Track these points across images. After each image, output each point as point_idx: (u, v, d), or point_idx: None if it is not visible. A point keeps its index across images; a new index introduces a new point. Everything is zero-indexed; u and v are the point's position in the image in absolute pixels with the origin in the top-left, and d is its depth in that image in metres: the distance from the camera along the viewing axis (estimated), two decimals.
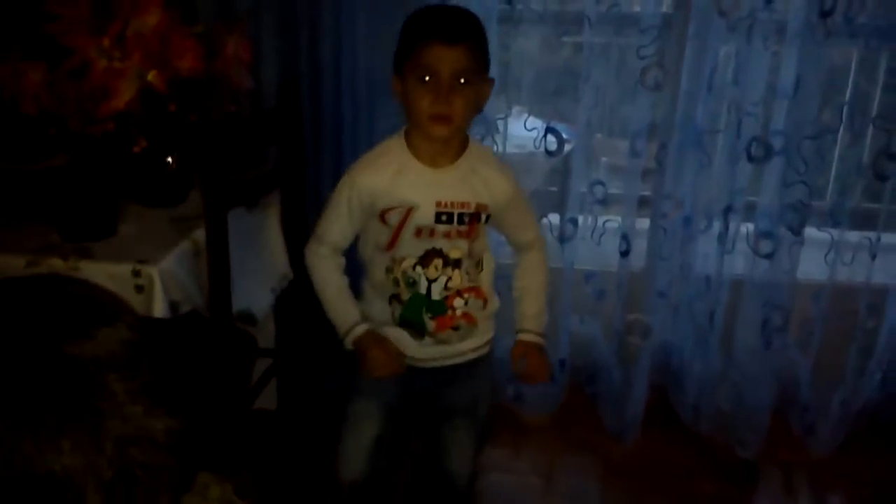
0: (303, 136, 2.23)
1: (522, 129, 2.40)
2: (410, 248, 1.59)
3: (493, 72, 2.19)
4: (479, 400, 1.79)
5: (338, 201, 1.62)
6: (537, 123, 2.37)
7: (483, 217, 1.61)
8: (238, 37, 1.92)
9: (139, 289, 1.70)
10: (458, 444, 1.78)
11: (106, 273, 1.69)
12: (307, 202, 2.28)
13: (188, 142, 1.84)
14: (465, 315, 1.66)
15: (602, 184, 2.42)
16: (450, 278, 1.62)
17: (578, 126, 2.36)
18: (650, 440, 2.50)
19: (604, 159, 2.49)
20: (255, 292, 2.05)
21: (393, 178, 1.57)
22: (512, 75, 2.35)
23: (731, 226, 2.37)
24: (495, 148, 2.33)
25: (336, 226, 1.63)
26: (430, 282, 1.61)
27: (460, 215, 1.58)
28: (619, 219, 2.41)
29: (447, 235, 1.59)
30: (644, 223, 2.46)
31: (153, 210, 1.93)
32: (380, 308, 1.67)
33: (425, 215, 1.57)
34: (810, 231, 2.37)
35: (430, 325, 1.65)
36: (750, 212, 2.39)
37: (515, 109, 2.39)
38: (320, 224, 1.66)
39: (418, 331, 1.66)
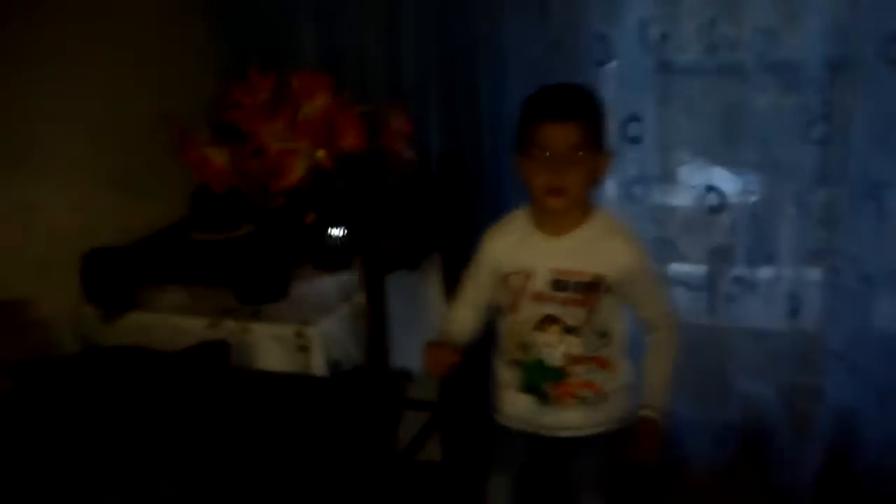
0: (464, 202, 2.34)
1: (687, 185, 2.40)
2: (529, 313, 1.66)
3: (652, 128, 2.28)
4: (607, 476, 1.79)
5: (474, 263, 1.75)
6: (699, 180, 2.36)
7: (603, 287, 1.63)
8: (400, 112, 2.06)
9: (302, 349, 1.85)
10: None
11: (271, 334, 1.86)
12: (466, 264, 2.38)
13: (352, 213, 1.99)
14: (587, 384, 1.68)
15: (770, 240, 2.35)
16: (569, 345, 1.65)
17: (742, 179, 2.32)
18: None
19: (770, 214, 2.40)
20: (413, 350, 2.16)
21: (516, 245, 1.67)
22: (672, 129, 2.35)
23: None
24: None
25: (470, 284, 1.77)
26: (548, 348, 1.66)
27: (576, 284, 1.62)
28: (787, 275, 2.33)
29: (563, 303, 1.63)
30: (814, 280, 2.36)
31: (323, 275, 2.09)
32: (504, 373, 1.75)
33: (542, 281, 1.64)
34: None
35: (552, 393, 1.69)
36: None
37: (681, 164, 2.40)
38: (460, 284, 1.80)
39: (541, 398, 1.71)
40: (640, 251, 1.70)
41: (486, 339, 1.83)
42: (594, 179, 1.64)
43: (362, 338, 2.00)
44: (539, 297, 1.64)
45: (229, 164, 1.83)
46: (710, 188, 2.33)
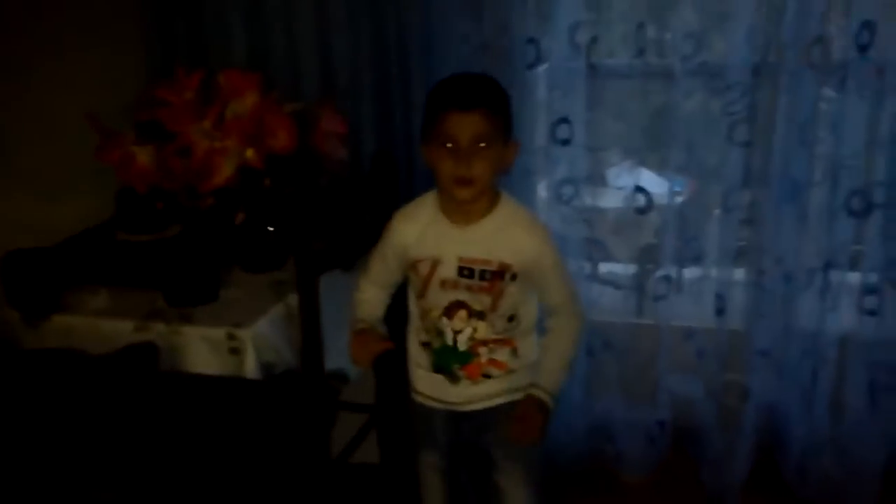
0: (397, 201, 2.33)
1: (616, 186, 2.44)
2: (437, 299, 1.69)
3: (581, 130, 2.31)
4: (525, 449, 1.80)
5: (381, 244, 1.77)
6: (627, 182, 2.40)
7: (508, 276, 1.65)
8: (332, 112, 2.05)
9: (234, 351, 1.82)
10: (509, 493, 1.82)
11: (202, 337, 1.83)
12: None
13: (283, 213, 1.97)
14: (492, 361, 1.72)
15: (696, 239, 2.40)
16: (475, 329, 1.69)
17: (669, 181, 2.36)
18: None
19: (696, 214, 2.45)
20: (348, 352, 2.14)
21: (424, 232, 1.69)
22: (601, 131, 2.39)
23: (833, 282, 2.31)
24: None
25: (375, 266, 1.79)
26: (456, 333, 1.69)
27: (482, 272, 1.65)
28: (714, 275, 2.38)
29: (470, 289, 1.66)
30: (740, 279, 2.41)
31: (254, 276, 2.06)
32: (417, 353, 1.79)
33: (449, 269, 1.66)
34: None
35: (460, 373, 1.73)
36: (853, 267, 2.31)
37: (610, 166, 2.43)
38: (368, 262, 1.82)
39: (452, 378, 1.75)
40: (545, 240, 1.71)
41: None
42: (501, 169, 1.66)
43: (295, 340, 1.97)
44: (446, 284, 1.67)
45: (154, 164, 1.79)
46: (638, 189, 2.37)
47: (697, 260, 2.42)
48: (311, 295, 1.92)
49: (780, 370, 2.41)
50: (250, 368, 1.84)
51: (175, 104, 1.80)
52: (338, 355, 2.09)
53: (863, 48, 2.14)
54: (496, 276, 1.65)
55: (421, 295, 1.71)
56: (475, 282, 1.66)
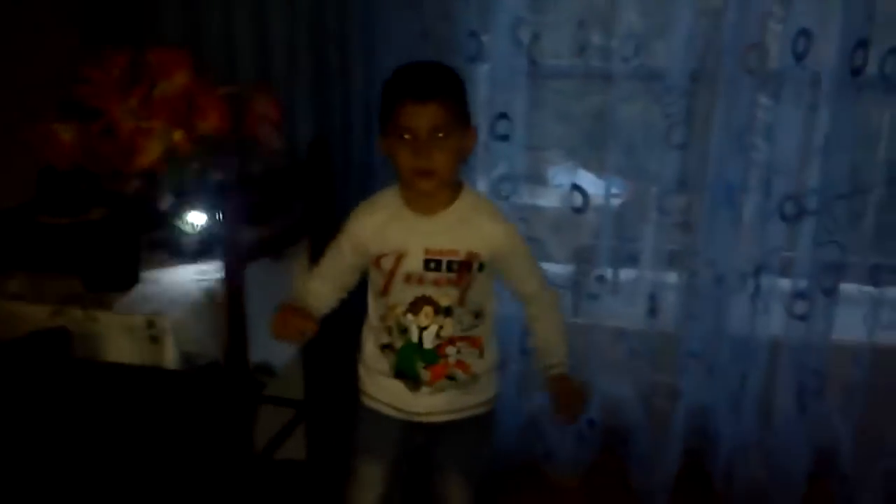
0: (333, 189, 2.29)
1: (553, 184, 2.44)
2: (402, 295, 1.63)
3: (523, 125, 2.30)
4: (476, 458, 1.78)
5: (338, 239, 1.70)
6: (564, 180, 2.39)
7: (475, 266, 1.62)
8: (267, 96, 2.00)
9: (153, 339, 1.76)
10: (449, 501, 1.77)
11: (120, 324, 1.76)
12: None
13: (212, 198, 1.91)
14: (460, 363, 1.67)
15: (630, 240, 2.40)
16: (441, 326, 1.63)
17: (606, 182, 2.36)
18: None
19: (633, 216, 2.46)
20: (275, 345, 2.09)
21: (385, 225, 1.63)
22: (540, 130, 2.38)
23: (765, 286, 2.33)
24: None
25: (329, 259, 1.72)
26: (422, 330, 1.64)
27: (449, 263, 1.61)
28: (648, 277, 2.38)
29: (436, 283, 1.61)
30: (673, 282, 2.42)
31: (179, 263, 2.00)
32: (375, 358, 1.71)
33: (414, 262, 1.61)
34: (849, 292, 2.31)
35: (425, 374, 1.67)
36: (784, 271, 2.34)
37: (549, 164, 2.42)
38: (322, 258, 1.75)
39: (413, 381, 1.68)
40: (511, 227, 1.70)
41: (351, 330, 1.79)
42: (461, 157, 1.63)
43: (220, 330, 1.92)
44: (411, 279, 1.62)
45: (76, 142, 1.72)
46: (575, 187, 2.36)
47: (633, 261, 2.43)
48: (238, 284, 1.87)
49: (710, 372, 2.43)
50: (170, 358, 1.77)
51: (100, 82, 1.73)
52: (264, 348, 2.04)
53: (799, 56, 2.16)
54: (464, 267, 1.61)
55: (384, 292, 1.65)
56: (442, 274, 1.61)
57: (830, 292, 2.28)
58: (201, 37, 2.35)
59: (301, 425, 2.40)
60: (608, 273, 2.42)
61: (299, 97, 2.34)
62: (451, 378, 1.68)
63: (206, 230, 1.98)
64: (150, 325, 1.77)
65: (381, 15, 2.24)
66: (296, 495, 2.38)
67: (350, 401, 1.83)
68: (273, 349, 2.11)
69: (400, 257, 1.61)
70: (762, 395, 2.40)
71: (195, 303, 1.88)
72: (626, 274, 2.43)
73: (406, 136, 1.55)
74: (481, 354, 1.70)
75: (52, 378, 1.74)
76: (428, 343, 1.64)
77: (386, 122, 1.59)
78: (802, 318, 2.32)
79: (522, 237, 1.74)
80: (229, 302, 1.88)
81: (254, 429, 2.03)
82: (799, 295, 2.32)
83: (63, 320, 1.78)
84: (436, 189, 1.59)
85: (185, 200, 1.93)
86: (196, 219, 1.97)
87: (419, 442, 1.77)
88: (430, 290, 1.62)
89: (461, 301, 1.63)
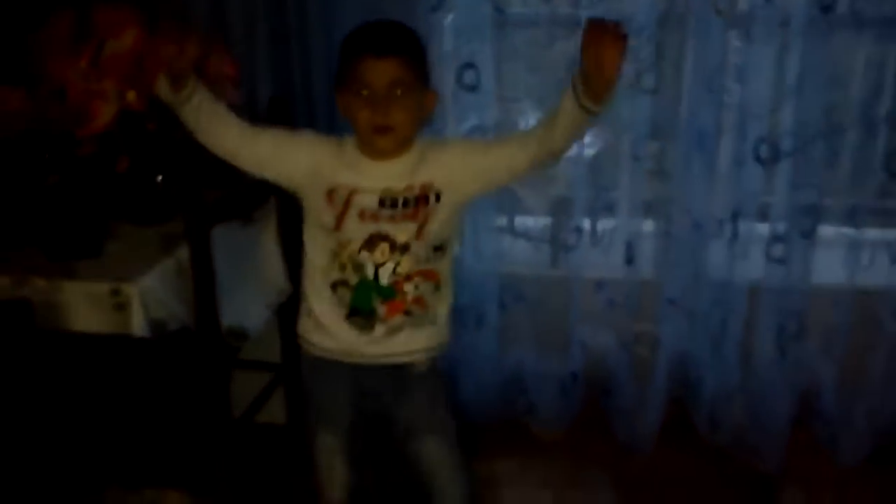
0: None
1: None
2: (356, 231, 1.58)
3: (490, 77, 2.25)
4: (442, 411, 1.74)
5: (293, 132, 1.64)
6: None
7: (432, 197, 1.58)
8: (221, 54, 1.94)
9: (119, 307, 1.72)
10: (441, 465, 1.73)
11: (85, 293, 1.72)
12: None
13: (171, 159, 1.86)
14: (417, 299, 1.63)
15: (606, 189, 2.37)
16: (398, 263, 1.59)
17: None
18: (666, 454, 2.43)
19: (608, 165, 2.42)
20: (248, 308, 2.07)
21: (340, 162, 1.59)
22: (509, 79, 2.33)
23: (742, 231, 2.30)
24: None
25: (276, 133, 1.62)
26: (378, 266, 1.59)
27: (405, 199, 1.57)
28: (625, 226, 2.35)
29: (392, 219, 1.57)
30: (650, 230, 2.40)
31: (142, 229, 1.95)
32: (326, 298, 1.64)
33: (368, 199, 1.56)
34: (826, 234, 2.29)
35: (381, 310, 1.62)
36: (761, 215, 2.31)
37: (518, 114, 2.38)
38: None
39: (368, 319, 1.63)
40: (455, 139, 1.69)
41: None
42: (421, 118, 1.59)
43: (190, 295, 1.88)
44: (365, 215, 1.57)
45: (25, 108, 1.66)
46: None
47: (609, 211, 2.39)
48: (203, 247, 1.83)
49: (691, 319, 2.41)
50: (138, 326, 1.73)
51: (46, 42, 1.67)
52: (235, 312, 2.01)
53: None
54: (420, 201, 1.57)
55: (336, 227, 1.59)
56: (398, 210, 1.57)
57: (809, 234, 2.26)
58: None
59: (280, 388, 2.38)
60: (585, 224, 2.39)
61: (258, 54, 2.28)
62: (408, 313, 1.63)
63: (168, 192, 1.93)
64: (116, 292, 1.73)
65: None
66: (277, 458, 2.36)
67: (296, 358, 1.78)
68: (246, 312, 2.08)
69: (353, 192, 1.56)
70: (743, 341, 2.39)
71: (161, 267, 1.84)
72: (603, 224, 2.40)
73: (364, 92, 1.51)
74: (437, 288, 1.65)
75: (17, 351, 1.70)
76: (384, 279, 1.60)
77: (344, 78, 1.55)
78: (781, 261, 2.30)
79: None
80: (195, 265, 1.84)
81: (230, 393, 2.00)
82: (777, 238, 2.30)
83: (26, 291, 1.75)
84: (395, 147, 1.56)
85: (143, 162, 1.88)
86: (157, 180, 1.92)
87: (375, 407, 1.72)
88: (385, 227, 1.57)
89: (419, 235, 1.59)
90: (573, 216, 2.38)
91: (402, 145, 1.57)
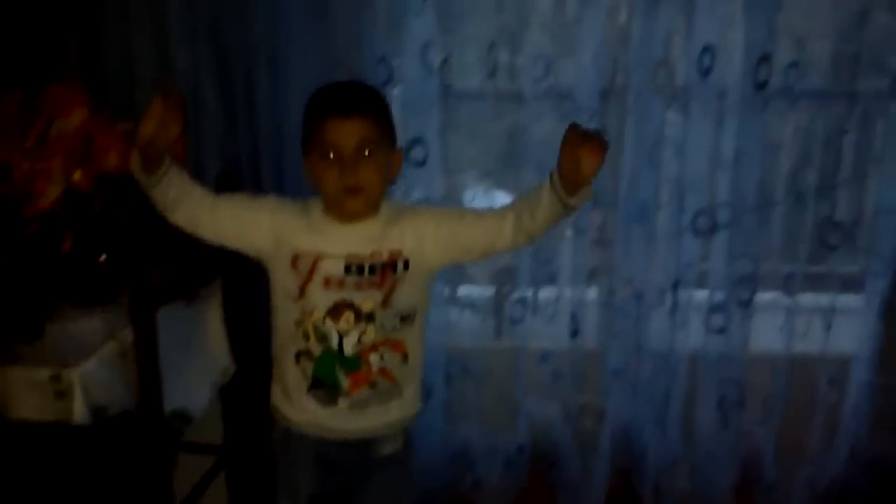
0: None
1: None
2: (320, 299, 1.54)
3: (437, 149, 2.26)
4: (405, 494, 1.71)
5: (255, 197, 1.59)
6: (482, 202, 2.37)
7: (399, 265, 1.55)
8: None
9: (60, 394, 1.64)
10: None
11: (24, 379, 1.64)
12: (250, 289, 2.24)
13: (116, 240, 1.81)
14: (382, 371, 1.58)
15: (549, 259, 2.39)
16: (363, 332, 1.55)
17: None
18: None
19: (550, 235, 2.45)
20: (192, 390, 2.00)
21: (306, 227, 1.55)
22: (455, 153, 2.36)
23: (682, 300, 2.35)
24: None
25: (236, 200, 1.58)
26: (342, 336, 1.55)
27: (371, 266, 1.54)
28: (568, 296, 2.38)
29: (358, 286, 1.53)
30: (594, 300, 2.42)
31: (85, 310, 1.88)
32: (290, 368, 1.59)
33: (334, 266, 1.53)
34: (764, 304, 2.35)
35: (345, 382, 1.57)
36: (700, 285, 2.37)
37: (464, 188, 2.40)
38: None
39: (332, 392, 1.58)
40: (428, 208, 1.66)
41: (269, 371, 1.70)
42: (389, 178, 1.57)
43: (132, 379, 1.81)
44: (331, 283, 1.53)
45: None
46: None
47: (552, 281, 2.42)
48: (148, 329, 1.77)
49: (634, 390, 2.43)
50: (79, 413, 1.65)
51: None
52: (178, 394, 1.94)
53: (705, 72, 2.20)
54: (387, 268, 1.54)
55: (300, 295, 1.55)
56: (364, 277, 1.53)
57: (746, 304, 2.33)
58: (101, 69, 2.24)
59: (222, 472, 2.29)
60: (529, 294, 2.40)
61: (205, 127, 2.25)
62: (373, 386, 1.59)
63: (112, 272, 1.87)
64: (56, 378, 1.65)
65: (289, 43, 2.18)
66: None
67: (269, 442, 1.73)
68: (190, 394, 2.02)
69: (318, 258, 1.52)
70: (685, 410, 2.42)
71: (104, 351, 1.76)
72: (546, 294, 2.42)
73: (331, 155, 1.48)
74: (405, 359, 1.60)
75: None
76: (349, 350, 1.55)
77: (309, 141, 1.52)
78: (720, 331, 2.36)
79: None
80: (140, 348, 1.78)
81: (173, 478, 1.92)
82: (716, 308, 2.36)
83: None
84: (363, 209, 1.53)
85: (88, 242, 1.81)
86: (100, 262, 1.86)
87: (339, 484, 1.67)
88: (351, 295, 1.53)
89: (385, 304, 1.55)
90: (516, 286, 2.40)
91: (372, 207, 1.54)
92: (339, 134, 1.48)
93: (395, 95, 2.26)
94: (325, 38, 2.16)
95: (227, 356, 2.15)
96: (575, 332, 2.38)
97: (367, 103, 1.53)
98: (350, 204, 1.51)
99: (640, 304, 2.37)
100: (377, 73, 2.20)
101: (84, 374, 1.67)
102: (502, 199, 2.38)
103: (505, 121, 2.33)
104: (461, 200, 2.40)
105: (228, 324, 2.16)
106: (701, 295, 2.38)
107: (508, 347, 2.43)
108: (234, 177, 2.15)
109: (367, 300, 1.54)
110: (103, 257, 1.86)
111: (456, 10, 2.25)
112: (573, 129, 1.40)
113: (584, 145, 1.38)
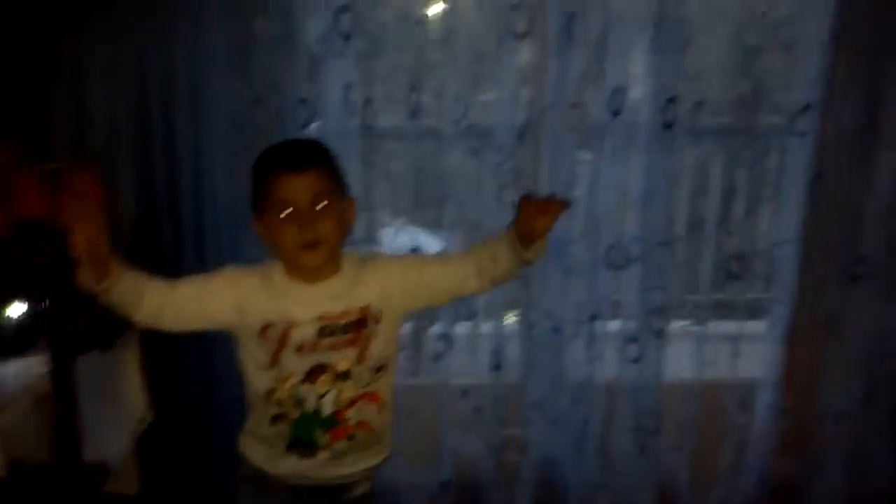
0: (162, 268, 2.15)
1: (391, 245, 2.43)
2: (296, 366, 1.51)
3: (359, 188, 2.27)
4: None
5: (211, 274, 1.54)
6: (404, 241, 2.39)
7: (370, 319, 1.54)
8: (87, 173, 1.86)
9: None
10: None
11: None
12: (168, 337, 2.19)
13: (33, 287, 1.74)
14: (360, 423, 1.57)
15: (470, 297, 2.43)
16: (340, 391, 1.53)
17: (443, 240, 2.39)
18: None
19: None
20: (109, 440, 1.93)
21: (270, 295, 1.51)
22: (376, 193, 2.37)
23: (598, 332, 2.42)
24: None
25: (195, 282, 1.53)
26: (320, 397, 1.53)
27: (344, 325, 1.52)
28: (487, 331, 2.41)
29: (333, 347, 1.52)
30: (513, 334, 2.46)
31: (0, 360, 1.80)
32: (265, 428, 1.57)
33: (306, 331, 1.50)
34: (675, 333, 2.44)
35: (323, 438, 1.55)
36: (615, 317, 2.44)
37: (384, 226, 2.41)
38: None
39: (310, 448, 1.56)
40: (390, 256, 1.66)
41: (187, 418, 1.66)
42: (346, 228, 1.56)
43: (49, 431, 1.74)
44: (304, 348, 1.51)
45: None
46: (414, 250, 2.36)
47: (471, 316, 2.44)
48: (66, 379, 1.71)
49: (554, 422, 2.48)
50: None
51: None
52: (96, 445, 1.87)
53: (615, 113, 2.29)
54: (359, 325, 1.52)
55: (272, 363, 1.51)
56: (337, 337, 1.51)
57: (660, 334, 2.41)
58: (16, 112, 2.15)
59: None
60: (449, 329, 2.42)
61: (122, 171, 2.20)
62: (351, 438, 1.57)
63: (28, 321, 1.79)
64: None
65: (210, 81, 2.16)
66: None
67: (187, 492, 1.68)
68: (107, 444, 1.94)
69: (289, 326, 1.50)
70: (603, 439, 2.48)
71: (19, 403, 1.70)
72: (465, 328, 2.44)
73: (286, 211, 1.47)
74: (380, 410, 1.60)
75: None
76: (327, 409, 1.53)
77: (261, 202, 1.50)
78: (635, 360, 2.43)
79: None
80: (57, 399, 1.71)
81: None
82: (630, 339, 2.43)
83: None
84: (324, 262, 1.51)
85: (3, 290, 1.74)
86: (17, 310, 1.78)
87: None
88: (326, 356, 1.51)
89: (360, 359, 1.54)
90: (435, 321, 2.42)
91: (332, 259, 1.53)
92: (293, 189, 1.47)
93: (316, 134, 2.26)
94: (246, 80, 2.15)
95: (144, 405, 2.09)
96: (497, 367, 2.41)
97: (317, 156, 1.53)
98: (310, 258, 1.49)
99: (558, 336, 2.42)
100: (298, 114, 2.20)
101: (0, 427, 1.60)
102: (422, 237, 2.40)
103: (424, 159, 2.37)
104: (380, 238, 2.41)
105: (147, 372, 2.10)
106: (615, 326, 2.45)
107: (430, 384, 2.44)
108: (151, 221, 2.10)
109: (343, 359, 1.53)
110: (19, 305, 1.79)
111: (376, 50, 2.27)
112: (527, 198, 1.48)
113: (539, 207, 1.45)
